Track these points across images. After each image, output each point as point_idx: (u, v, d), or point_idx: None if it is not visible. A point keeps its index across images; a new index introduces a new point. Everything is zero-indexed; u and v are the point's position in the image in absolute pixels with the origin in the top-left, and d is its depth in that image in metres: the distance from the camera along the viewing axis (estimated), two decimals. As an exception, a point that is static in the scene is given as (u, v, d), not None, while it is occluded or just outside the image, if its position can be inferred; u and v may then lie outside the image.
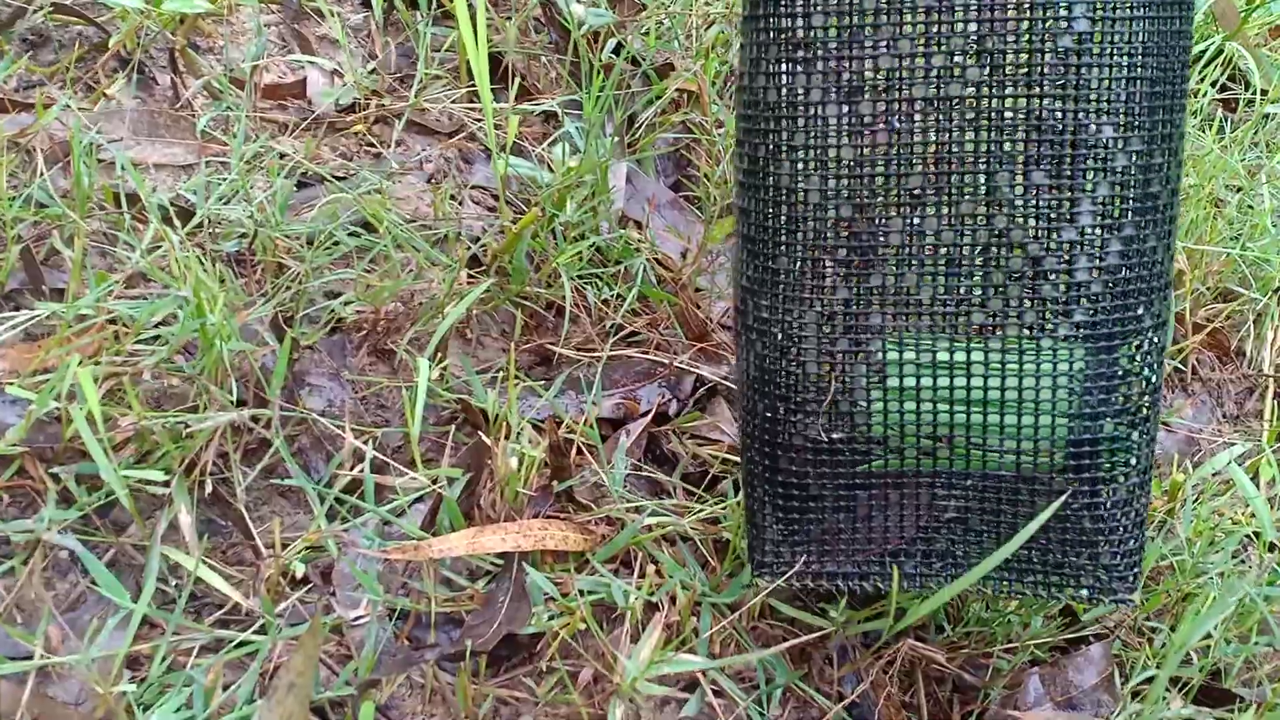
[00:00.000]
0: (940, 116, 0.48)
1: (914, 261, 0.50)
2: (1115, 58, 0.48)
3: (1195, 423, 0.88)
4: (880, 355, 0.51)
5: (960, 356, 0.51)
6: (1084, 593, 0.56)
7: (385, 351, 0.75)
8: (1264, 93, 1.09)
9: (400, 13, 0.98)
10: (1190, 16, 0.50)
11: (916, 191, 0.50)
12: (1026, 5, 0.47)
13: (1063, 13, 0.47)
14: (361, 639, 0.59)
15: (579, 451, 0.72)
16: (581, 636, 0.61)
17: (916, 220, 0.50)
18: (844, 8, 0.48)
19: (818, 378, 0.53)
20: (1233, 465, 0.73)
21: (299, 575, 0.60)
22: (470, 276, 0.80)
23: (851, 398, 0.53)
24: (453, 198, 0.87)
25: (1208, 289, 0.94)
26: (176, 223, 0.76)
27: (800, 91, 0.50)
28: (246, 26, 0.94)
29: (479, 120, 0.91)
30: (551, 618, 0.61)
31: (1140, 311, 0.51)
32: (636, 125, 0.96)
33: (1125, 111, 0.48)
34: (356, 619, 0.60)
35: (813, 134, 0.50)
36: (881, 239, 0.50)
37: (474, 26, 0.68)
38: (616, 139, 0.91)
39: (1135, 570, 0.56)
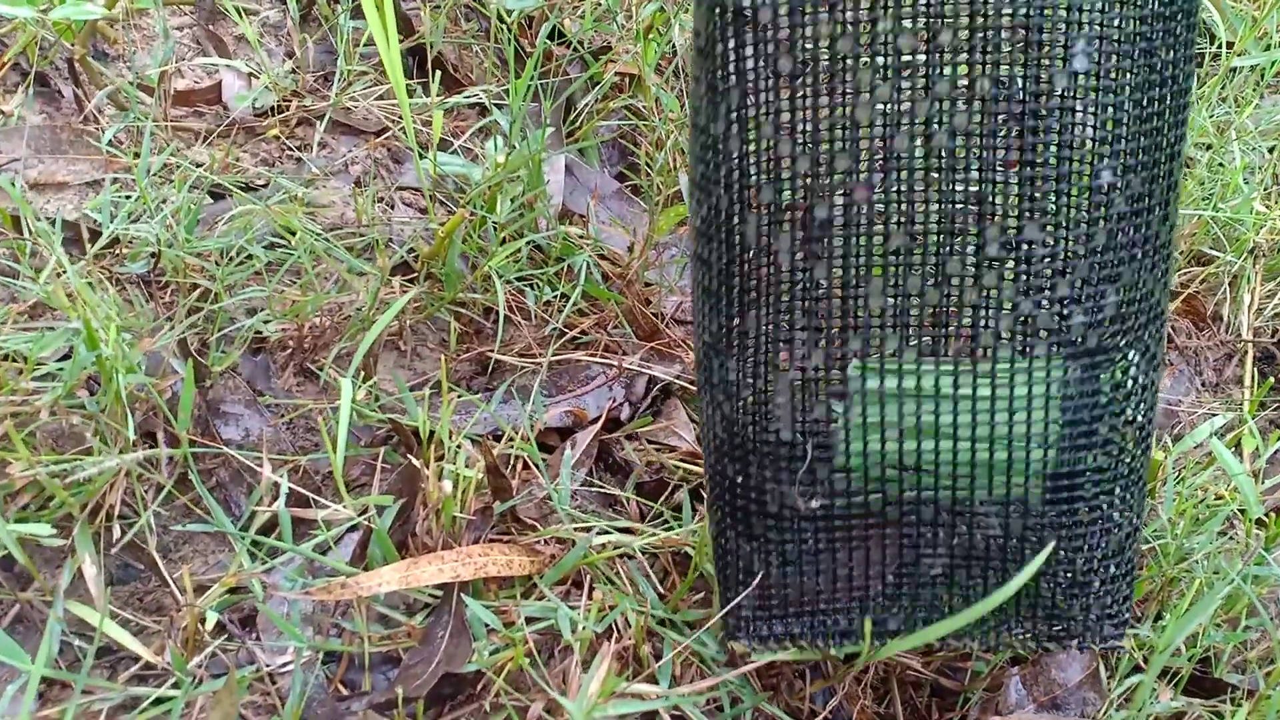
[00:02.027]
0: (926, 170, 0.43)
1: (897, 325, 0.45)
2: (1114, 100, 0.42)
3: (1173, 394, 0.84)
4: (854, 384, 0.46)
5: (938, 383, 0.46)
6: (1074, 640, 0.52)
7: (313, 370, 0.71)
8: (1230, 45, 1.05)
9: (320, 7, 0.93)
10: (1192, 56, 0.44)
11: (899, 251, 0.43)
12: (1021, 46, 0.41)
13: (1059, 52, 0.41)
14: (289, 688, 0.55)
15: (524, 466, 0.68)
16: (533, 668, 0.57)
17: (897, 283, 0.44)
18: (818, 45, 0.41)
19: (792, 445, 0.47)
20: (1213, 439, 0.70)
21: (214, 624, 0.55)
22: (404, 284, 0.75)
23: (830, 462, 0.48)
24: (382, 200, 0.82)
25: (1180, 253, 0.90)
26: (85, 245, 0.70)
27: (768, 142, 0.42)
28: (158, 31, 0.88)
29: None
30: (495, 651, 0.57)
31: (1126, 339, 0.46)
32: (576, 113, 0.91)
33: (1125, 153, 0.43)
34: (283, 666, 0.56)
35: (783, 188, 0.43)
36: (861, 302, 0.45)
37: (381, 15, 0.63)
38: (553, 129, 0.86)
39: (1127, 612, 0.53)
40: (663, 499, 0.68)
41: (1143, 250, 0.44)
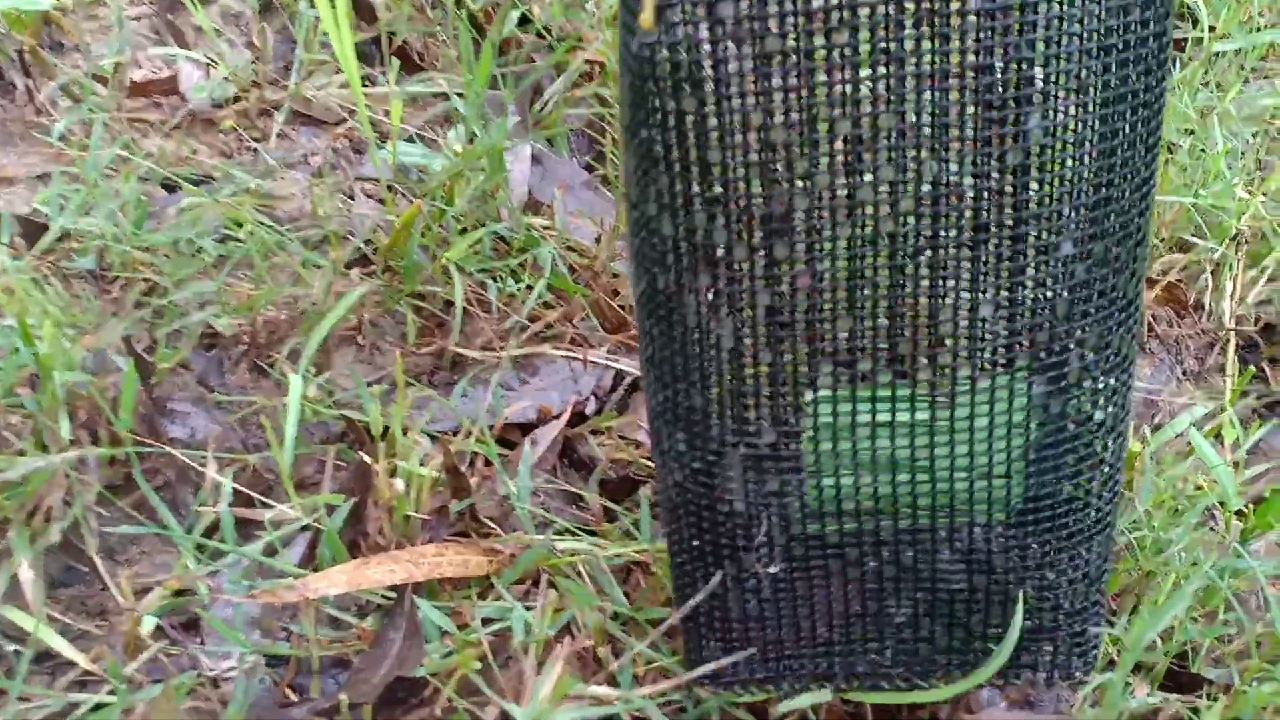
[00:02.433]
0: (873, 253, 0.39)
1: (854, 373, 0.41)
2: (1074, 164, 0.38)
3: (1154, 383, 0.82)
4: (810, 417, 0.43)
5: (900, 415, 0.43)
6: (1042, 676, 0.51)
7: (267, 366, 0.69)
8: (1212, 29, 1.03)
9: (281, -4, 0.91)
10: (1162, 104, 0.40)
11: (850, 338, 0.40)
12: (982, 108, 0.37)
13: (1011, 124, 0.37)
14: (232, 693, 0.53)
15: (486, 463, 0.66)
16: (485, 671, 0.55)
17: (849, 371, 0.41)
18: (761, 131, 0.37)
19: (747, 515, 0.45)
20: (1192, 430, 0.68)
21: (152, 628, 0.53)
22: (363, 277, 0.73)
23: (788, 530, 0.45)
24: (343, 192, 0.81)
25: (1162, 241, 0.88)
26: (33, 240, 0.69)
27: (702, 231, 0.39)
28: (114, 21, 0.86)
29: (368, 107, 0.84)
30: (449, 654, 0.55)
31: (1091, 356, 0.43)
32: (544, 101, 0.89)
33: (1087, 223, 0.39)
34: (226, 671, 0.54)
35: (722, 277, 0.39)
36: (813, 383, 0.42)
37: (332, 2, 0.61)
38: (519, 118, 0.84)
39: (1095, 648, 0.51)
40: (628, 498, 0.66)
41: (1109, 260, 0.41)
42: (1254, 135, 0.98)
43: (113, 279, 0.68)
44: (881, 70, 0.36)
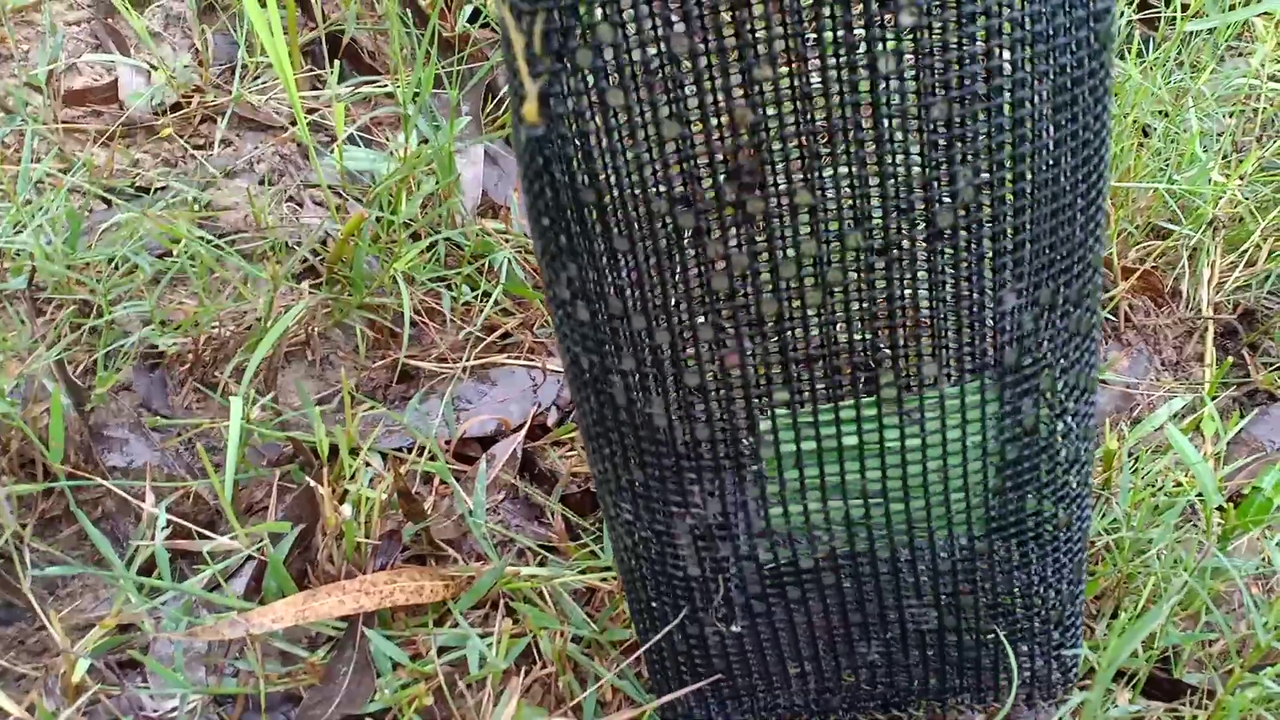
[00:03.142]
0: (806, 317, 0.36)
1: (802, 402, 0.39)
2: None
3: (1132, 375, 0.80)
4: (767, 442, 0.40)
5: (861, 435, 0.40)
6: (1022, 693, 0.49)
7: (212, 385, 0.66)
8: (1185, 8, 1.01)
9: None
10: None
11: (791, 401, 0.38)
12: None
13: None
14: (176, 737, 0.50)
15: (443, 481, 0.63)
16: (440, 704, 0.53)
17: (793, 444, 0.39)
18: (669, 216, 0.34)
19: (702, 577, 0.42)
20: (1169, 426, 0.66)
21: (88, 669, 0.51)
22: (312, 289, 0.70)
23: (745, 591, 0.43)
24: (291, 200, 0.78)
25: (1136, 228, 0.86)
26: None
27: (618, 316, 0.36)
28: (56, 26, 0.83)
29: (315, 110, 0.81)
30: (404, 686, 0.53)
31: (1048, 368, 0.40)
32: (498, 100, 0.86)
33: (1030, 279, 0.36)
34: (169, 712, 0.51)
35: (645, 359, 0.37)
36: (754, 454, 0.39)
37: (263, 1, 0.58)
38: (471, 117, 0.82)
39: (1075, 662, 0.50)
40: (591, 513, 0.64)
41: (1064, 258, 0.39)
42: (1229, 116, 0.96)
43: (46, 299, 0.65)
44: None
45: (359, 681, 0.52)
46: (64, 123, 0.78)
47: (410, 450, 0.64)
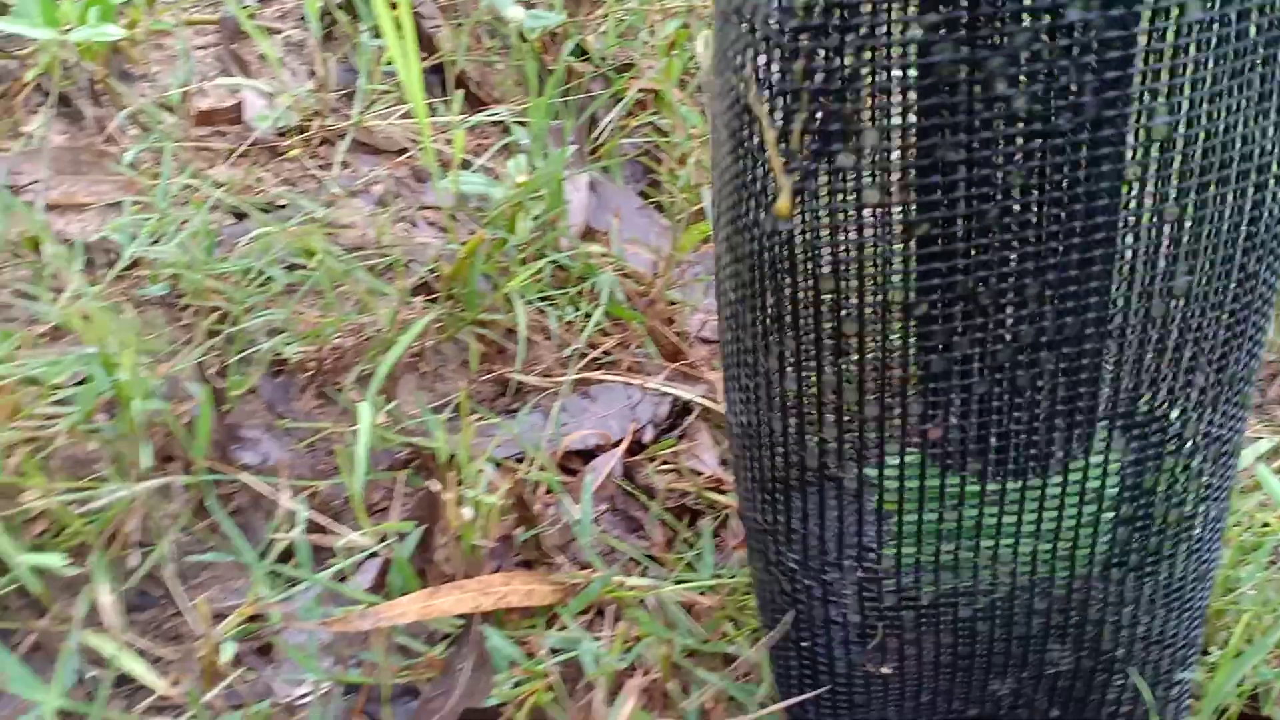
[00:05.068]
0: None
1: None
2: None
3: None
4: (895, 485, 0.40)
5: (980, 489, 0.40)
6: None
7: (333, 393, 0.70)
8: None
9: (344, 25, 0.92)
10: None
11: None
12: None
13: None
14: (307, 721, 0.53)
15: (547, 490, 0.66)
16: (556, 702, 0.55)
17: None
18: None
19: (863, 623, 0.43)
20: (1259, 466, 0.67)
21: (232, 656, 0.54)
22: (426, 305, 0.74)
23: (901, 634, 0.44)
24: (404, 220, 0.82)
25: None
26: (105, 268, 0.70)
27: (829, 389, 0.36)
28: (179, 50, 0.88)
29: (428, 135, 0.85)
30: (518, 684, 0.55)
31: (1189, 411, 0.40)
32: (599, 130, 0.90)
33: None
34: (301, 698, 0.54)
35: (851, 431, 0.37)
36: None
37: (401, 35, 0.62)
38: (576, 146, 0.85)
39: (1189, 698, 0.50)
40: (689, 528, 0.66)
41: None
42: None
43: (183, 306, 0.70)
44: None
45: (477, 677, 0.55)
46: (193, 141, 0.83)
47: (519, 461, 0.67)
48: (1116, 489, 0.40)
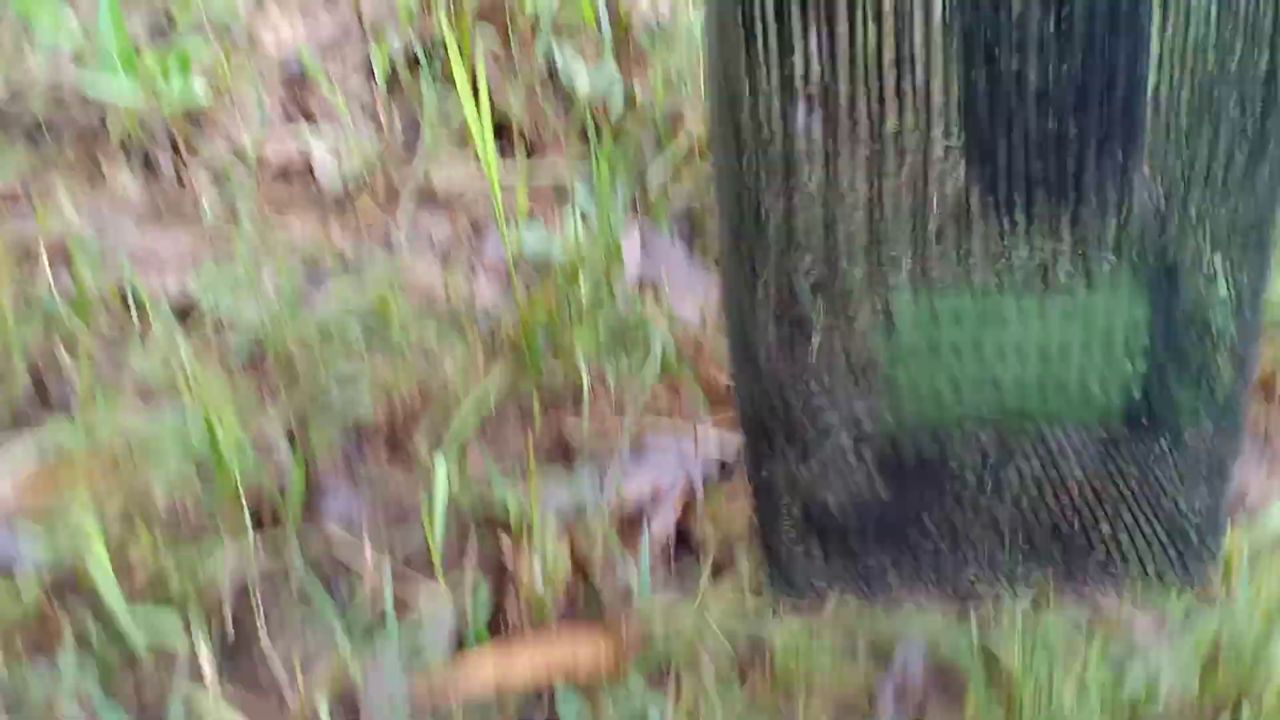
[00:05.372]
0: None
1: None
2: None
3: (1243, 474, 0.84)
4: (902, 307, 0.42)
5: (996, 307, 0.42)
6: (1171, 582, 0.50)
7: (401, 446, 0.73)
8: None
9: (404, 76, 0.96)
10: None
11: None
12: None
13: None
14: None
15: (606, 544, 0.70)
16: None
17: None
18: None
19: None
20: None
21: (324, 714, 0.58)
22: (488, 358, 0.78)
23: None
24: (467, 272, 0.85)
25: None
26: (189, 323, 0.74)
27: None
28: (252, 104, 0.92)
29: (486, 186, 0.88)
30: (587, 742, 0.59)
31: (1209, 249, 0.41)
32: (647, 181, 0.93)
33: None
34: (385, 750, 0.58)
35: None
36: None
37: (477, 100, 0.65)
38: (630, 199, 0.89)
39: (1214, 549, 0.50)
40: (737, 572, 0.70)
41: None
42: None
43: (262, 361, 0.73)
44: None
45: (550, 734, 0.59)
46: (265, 193, 0.87)
47: (579, 513, 0.71)
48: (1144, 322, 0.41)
